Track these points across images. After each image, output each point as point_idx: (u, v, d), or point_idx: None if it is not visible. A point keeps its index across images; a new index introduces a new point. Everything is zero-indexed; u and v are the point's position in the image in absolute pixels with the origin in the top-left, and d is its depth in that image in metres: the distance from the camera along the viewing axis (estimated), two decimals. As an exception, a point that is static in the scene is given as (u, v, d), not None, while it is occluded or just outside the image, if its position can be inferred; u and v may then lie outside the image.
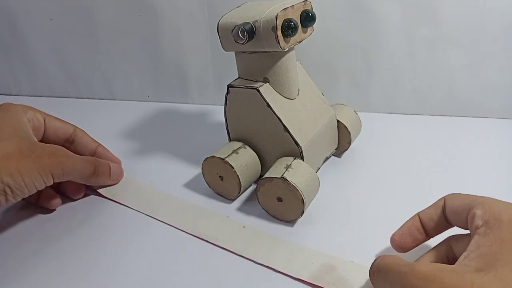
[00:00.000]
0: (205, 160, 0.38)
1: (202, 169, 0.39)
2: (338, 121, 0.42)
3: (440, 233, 0.31)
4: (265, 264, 0.32)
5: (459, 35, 0.50)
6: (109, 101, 0.66)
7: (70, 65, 0.65)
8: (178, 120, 0.58)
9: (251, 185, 0.40)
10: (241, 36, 0.32)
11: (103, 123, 0.59)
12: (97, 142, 0.42)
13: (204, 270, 0.32)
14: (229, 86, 0.37)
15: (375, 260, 0.27)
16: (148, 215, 0.38)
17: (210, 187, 0.40)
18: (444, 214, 0.29)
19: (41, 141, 0.38)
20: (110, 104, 0.65)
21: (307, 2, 0.35)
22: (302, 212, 0.34)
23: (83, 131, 0.41)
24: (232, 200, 0.39)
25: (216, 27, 0.35)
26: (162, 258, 0.33)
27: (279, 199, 0.35)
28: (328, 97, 0.58)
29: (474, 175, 0.42)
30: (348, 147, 0.44)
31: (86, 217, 0.38)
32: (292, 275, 0.30)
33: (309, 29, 0.36)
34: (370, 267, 0.27)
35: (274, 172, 0.34)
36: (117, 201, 0.40)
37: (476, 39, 0.49)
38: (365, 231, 0.35)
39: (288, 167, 0.34)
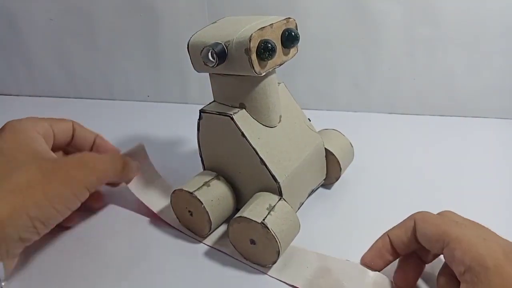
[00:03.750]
0: (173, 192, 0.34)
1: (171, 201, 0.35)
2: (326, 149, 0.38)
3: (428, 260, 0.30)
4: (259, 269, 0.31)
5: (459, 35, 0.50)
6: (109, 101, 0.66)
7: (70, 65, 0.65)
8: (178, 120, 0.58)
9: (224, 221, 0.35)
10: (210, 59, 0.29)
11: (103, 123, 0.58)
12: (94, 132, 0.38)
13: (198, 272, 0.31)
14: (201, 111, 0.33)
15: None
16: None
17: (179, 222, 0.35)
18: (415, 236, 0.28)
19: (52, 149, 0.34)
20: (110, 104, 0.65)
21: (290, 20, 0.31)
22: (274, 262, 0.30)
23: (78, 123, 0.38)
24: (203, 237, 0.34)
25: (187, 46, 0.31)
26: (158, 257, 0.33)
27: (252, 242, 0.30)
28: (328, 97, 0.58)
29: (474, 175, 0.42)
30: (338, 178, 0.39)
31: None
32: (287, 282, 0.30)
33: (292, 49, 0.31)
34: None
35: (254, 212, 0.30)
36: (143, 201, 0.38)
37: (476, 39, 0.49)
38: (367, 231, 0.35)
39: (271, 209, 0.30)
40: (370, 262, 0.30)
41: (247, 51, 0.28)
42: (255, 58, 0.28)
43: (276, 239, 0.29)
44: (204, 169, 0.36)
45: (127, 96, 0.65)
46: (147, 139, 0.52)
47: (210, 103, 0.34)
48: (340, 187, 0.40)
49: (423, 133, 0.51)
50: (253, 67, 0.28)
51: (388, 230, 0.30)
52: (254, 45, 0.28)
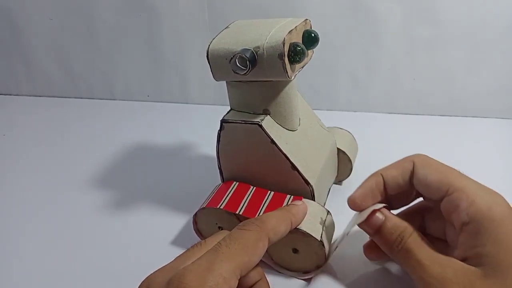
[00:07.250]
0: (202, 209, 0.32)
1: (196, 216, 0.32)
2: (337, 148, 0.38)
3: (404, 203, 0.29)
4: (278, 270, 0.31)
5: (459, 35, 0.50)
6: (109, 101, 0.66)
7: (70, 65, 0.65)
8: (178, 120, 0.58)
9: None
10: (241, 66, 0.27)
11: (103, 123, 0.59)
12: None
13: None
14: (223, 121, 0.31)
15: (388, 224, 0.26)
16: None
17: (202, 236, 0.33)
18: (411, 180, 0.27)
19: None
20: (110, 104, 0.65)
21: (307, 21, 0.30)
22: (307, 272, 0.30)
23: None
24: None
25: (206, 54, 0.29)
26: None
27: (295, 251, 0.30)
28: (328, 97, 0.58)
29: (474, 175, 0.42)
30: (349, 174, 0.40)
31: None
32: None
33: (309, 51, 0.31)
34: (386, 234, 0.25)
35: (310, 225, 0.28)
36: None
37: (476, 39, 0.49)
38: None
39: (323, 224, 0.29)
40: (361, 202, 0.28)
41: (281, 55, 0.26)
42: (288, 62, 0.27)
43: (326, 256, 0.29)
44: (223, 180, 0.35)
45: (127, 96, 0.65)
46: (147, 139, 0.52)
47: (228, 112, 0.32)
48: (350, 184, 0.40)
49: (423, 133, 0.51)
50: (286, 72, 0.27)
51: (382, 169, 0.28)
52: (287, 49, 0.27)
